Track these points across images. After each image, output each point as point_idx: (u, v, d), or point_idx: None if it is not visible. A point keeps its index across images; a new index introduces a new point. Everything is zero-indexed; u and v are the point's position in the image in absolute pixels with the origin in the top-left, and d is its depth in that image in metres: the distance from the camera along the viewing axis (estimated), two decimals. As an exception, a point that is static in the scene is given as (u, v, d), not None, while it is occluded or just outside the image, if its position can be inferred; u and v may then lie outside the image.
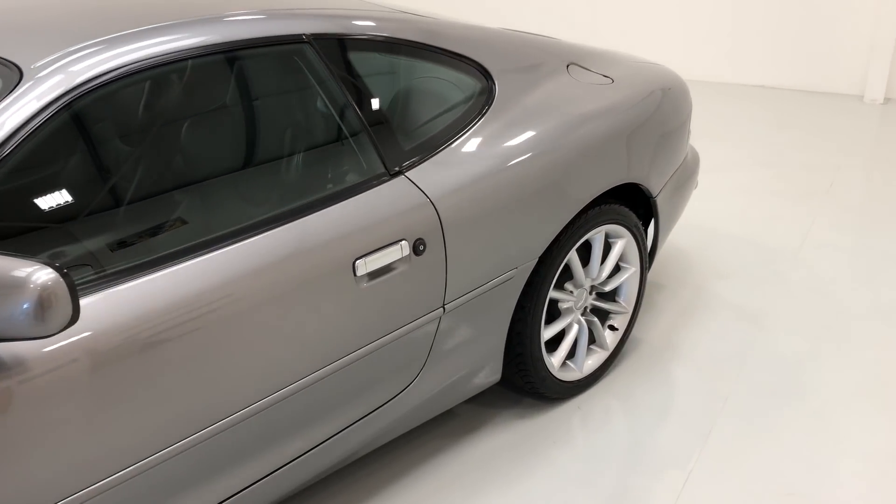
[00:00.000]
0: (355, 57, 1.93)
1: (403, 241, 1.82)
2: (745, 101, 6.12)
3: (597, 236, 2.43)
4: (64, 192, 1.53)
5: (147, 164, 1.64)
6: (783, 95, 6.23)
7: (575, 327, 2.51)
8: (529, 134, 2.14)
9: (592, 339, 2.61)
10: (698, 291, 3.24)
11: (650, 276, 3.32)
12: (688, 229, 3.78)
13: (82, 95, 1.48)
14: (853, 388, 2.60)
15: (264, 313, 1.61)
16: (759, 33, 6.37)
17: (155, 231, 1.58)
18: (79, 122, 1.53)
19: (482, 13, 7.86)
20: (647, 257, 2.66)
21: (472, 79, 2.16)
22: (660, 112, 2.54)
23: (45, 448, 1.35)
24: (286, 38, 1.79)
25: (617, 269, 2.62)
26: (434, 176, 1.93)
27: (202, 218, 1.65)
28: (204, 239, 1.58)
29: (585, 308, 2.58)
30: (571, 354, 2.55)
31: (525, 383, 2.42)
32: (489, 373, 2.29)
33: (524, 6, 7.25)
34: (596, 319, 2.58)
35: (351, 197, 1.79)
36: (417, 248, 1.86)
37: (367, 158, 1.86)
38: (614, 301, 2.66)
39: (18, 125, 1.40)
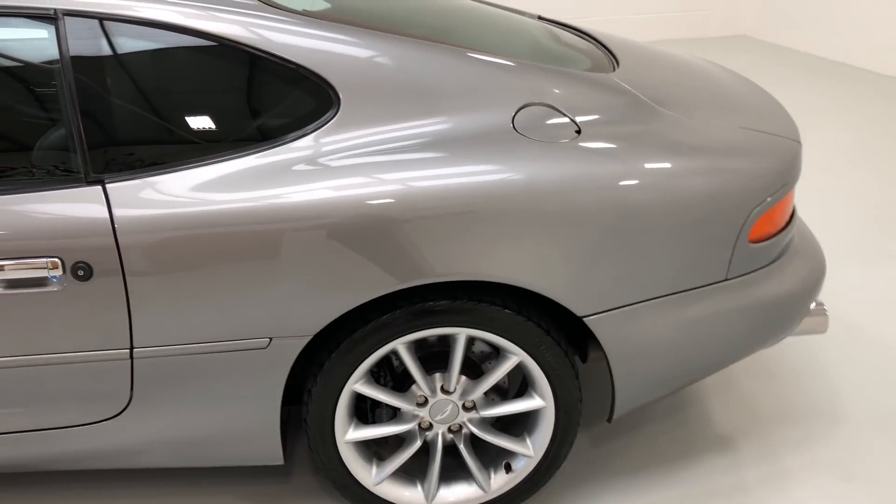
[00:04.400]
0: (120, 44, 1.63)
1: (56, 259, 1.57)
2: None
3: (458, 337, 1.77)
4: None
5: None
6: None
7: (416, 443, 1.89)
8: (336, 182, 1.60)
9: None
10: (764, 462, 2.15)
11: (694, 414, 2.33)
12: (857, 367, 2.52)
13: None
14: None
15: None
16: None
17: None
18: None
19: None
20: (575, 397, 1.84)
21: (305, 96, 1.69)
22: (616, 197, 1.66)
23: None
24: (31, 11, 1.63)
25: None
26: (144, 197, 1.59)
27: None
28: None
29: (461, 427, 1.92)
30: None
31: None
32: (264, 451, 1.86)
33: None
34: (462, 447, 1.90)
35: (20, 192, 1.59)
36: (76, 271, 1.58)
37: (68, 157, 1.61)
38: (516, 437, 1.92)
39: None
